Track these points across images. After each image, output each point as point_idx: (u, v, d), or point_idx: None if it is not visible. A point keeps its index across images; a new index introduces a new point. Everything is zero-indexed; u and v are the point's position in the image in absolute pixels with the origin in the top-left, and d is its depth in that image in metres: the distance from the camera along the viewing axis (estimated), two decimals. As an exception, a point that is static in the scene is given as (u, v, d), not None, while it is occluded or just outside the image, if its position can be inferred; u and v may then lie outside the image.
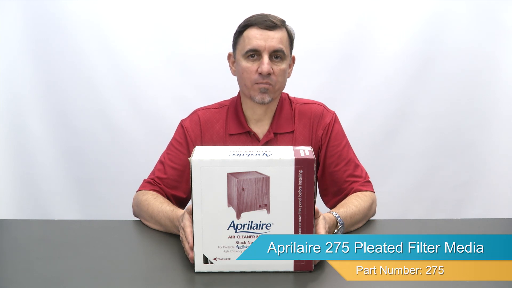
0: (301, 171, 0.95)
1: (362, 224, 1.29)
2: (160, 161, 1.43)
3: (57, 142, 2.25)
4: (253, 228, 0.97)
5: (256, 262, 0.98)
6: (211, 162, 0.95)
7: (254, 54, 1.35)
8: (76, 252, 1.10)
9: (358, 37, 2.23)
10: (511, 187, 2.31)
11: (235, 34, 1.41)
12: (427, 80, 2.27)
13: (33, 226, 1.33)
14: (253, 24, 1.35)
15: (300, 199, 0.96)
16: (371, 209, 1.33)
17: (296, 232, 0.97)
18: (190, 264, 1.01)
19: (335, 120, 1.46)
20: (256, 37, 1.34)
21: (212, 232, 0.97)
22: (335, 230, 1.17)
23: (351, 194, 1.36)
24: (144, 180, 1.41)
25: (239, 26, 1.39)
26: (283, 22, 1.39)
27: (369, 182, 1.42)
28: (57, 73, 2.20)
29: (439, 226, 1.30)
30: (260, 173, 0.95)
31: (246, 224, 0.97)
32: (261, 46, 1.34)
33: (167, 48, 2.22)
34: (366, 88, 2.27)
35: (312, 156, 0.96)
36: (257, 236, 0.97)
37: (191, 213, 0.99)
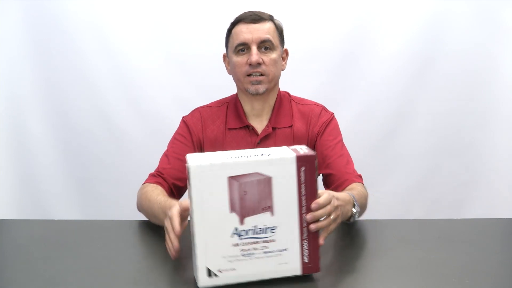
0: (303, 168, 0.93)
1: (363, 212, 1.30)
2: (165, 155, 1.45)
3: (57, 142, 2.25)
4: (258, 233, 0.93)
5: (263, 269, 0.94)
6: (211, 166, 0.90)
7: (244, 47, 1.39)
8: (76, 252, 1.10)
9: (358, 37, 2.23)
10: (511, 187, 2.31)
11: (226, 33, 1.46)
12: (427, 80, 2.27)
13: (33, 226, 1.33)
14: (239, 21, 1.41)
15: (304, 197, 0.93)
16: (364, 199, 1.34)
17: (301, 232, 0.94)
18: (191, 264, 1.01)
19: (332, 118, 1.49)
20: (243, 31, 1.39)
21: (214, 242, 0.91)
22: (354, 210, 1.16)
23: (347, 185, 1.37)
24: (150, 174, 1.43)
25: (229, 26, 1.44)
26: (270, 16, 1.44)
27: (360, 176, 1.43)
28: (57, 73, 2.20)
29: (439, 226, 1.30)
30: (261, 174, 0.92)
31: (250, 229, 0.92)
32: (248, 39, 1.38)
33: (167, 48, 2.22)
34: (366, 88, 2.27)
35: (313, 152, 0.94)
36: (262, 241, 0.93)
37: (184, 209, 0.97)
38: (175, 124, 1.50)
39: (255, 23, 1.39)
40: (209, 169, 0.90)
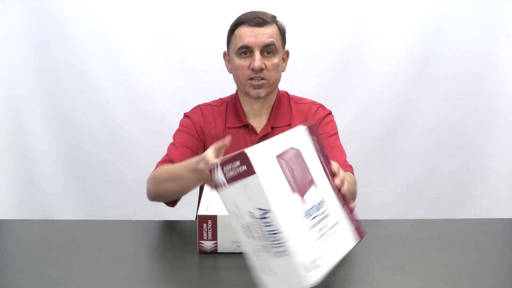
0: (314, 138, 0.90)
1: (349, 196, 1.30)
2: (172, 145, 1.45)
3: (58, 143, 2.25)
4: (318, 210, 0.83)
5: (336, 247, 0.84)
6: (261, 148, 0.79)
7: (246, 51, 1.39)
8: (76, 252, 1.10)
9: (359, 38, 2.23)
10: (511, 187, 2.31)
11: (228, 32, 1.45)
12: (427, 80, 2.27)
13: (33, 226, 1.33)
14: (243, 22, 1.40)
15: (324, 165, 0.90)
16: (355, 186, 1.35)
17: (338, 199, 0.89)
18: (191, 264, 1.01)
19: (328, 115, 1.50)
20: (247, 34, 1.38)
21: (299, 231, 0.78)
22: None
23: None
24: (158, 162, 1.41)
25: (231, 25, 1.43)
26: (273, 17, 1.43)
27: (351, 167, 1.43)
28: (57, 74, 2.20)
29: (439, 226, 1.30)
30: (294, 148, 0.85)
31: (313, 207, 0.82)
32: (252, 42, 1.37)
33: (167, 49, 2.22)
34: (366, 88, 2.27)
35: (313, 122, 0.90)
36: (323, 217, 0.83)
37: (214, 146, 0.99)
38: (175, 124, 1.50)
39: (259, 27, 1.38)
40: (261, 151, 0.78)
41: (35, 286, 0.95)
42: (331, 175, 0.91)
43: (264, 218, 0.77)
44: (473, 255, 1.08)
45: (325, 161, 0.91)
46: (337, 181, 0.91)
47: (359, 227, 0.92)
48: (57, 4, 2.15)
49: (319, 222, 0.82)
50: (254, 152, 0.76)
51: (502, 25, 2.21)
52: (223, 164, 0.78)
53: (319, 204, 0.84)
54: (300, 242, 0.77)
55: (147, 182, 1.37)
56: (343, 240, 0.87)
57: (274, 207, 0.76)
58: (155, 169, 1.39)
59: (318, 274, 0.78)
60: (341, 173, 0.93)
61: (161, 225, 1.29)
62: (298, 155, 0.85)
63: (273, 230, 0.76)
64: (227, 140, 1.02)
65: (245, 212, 0.78)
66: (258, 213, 0.77)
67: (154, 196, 1.35)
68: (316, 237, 0.80)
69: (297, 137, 0.87)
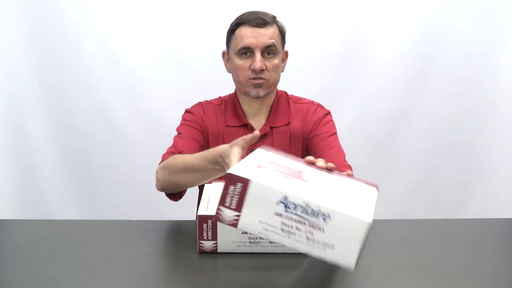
0: (267, 147, 0.99)
1: None
2: (177, 137, 1.44)
3: (58, 143, 2.25)
4: (324, 182, 0.88)
5: (365, 194, 0.90)
6: (241, 164, 0.85)
7: (247, 51, 1.39)
8: (76, 252, 1.10)
9: (359, 38, 2.23)
10: (511, 187, 2.31)
11: (227, 32, 1.45)
12: (428, 80, 2.27)
13: (33, 226, 1.32)
14: (244, 22, 1.39)
15: (300, 160, 0.97)
16: None
17: (335, 174, 0.95)
18: (192, 264, 1.01)
19: (326, 114, 1.50)
20: (248, 35, 1.38)
21: (324, 193, 0.83)
22: None
23: None
24: (164, 154, 1.39)
25: (231, 25, 1.43)
26: (273, 18, 1.43)
27: (350, 167, 1.43)
28: (57, 74, 2.21)
29: (439, 226, 1.30)
30: (265, 160, 0.90)
31: (318, 182, 0.87)
32: (253, 43, 1.37)
33: (167, 49, 2.22)
34: (366, 88, 2.28)
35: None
36: (335, 184, 0.90)
37: (240, 145, 1.02)
38: (175, 124, 1.50)
39: (260, 28, 1.38)
40: (242, 166, 0.83)
41: (35, 286, 0.95)
42: (311, 164, 0.97)
43: (288, 206, 0.79)
44: (473, 255, 1.08)
45: (297, 159, 0.97)
46: (319, 163, 0.96)
47: (369, 182, 0.96)
48: (58, 6, 2.15)
49: (334, 186, 0.87)
50: (237, 168, 0.80)
51: (502, 26, 2.22)
52: (222, 203, 0.80)
53: (321, 179, 0.88)
54: (331, 199, 0.80)
55: (157, 172, 1.35)
56: (365, 190, 0.91)
57: (286, 191, 0.79)
58: (163, 159, 1.37)
59: (368, 213, 0.80)
60: (318, 158, 0.99)
61: (161, 225, 1.29)
62: (272, 161, 0.90)
63: (303, 207, 0.78)
64: (256, 133, 1.05)
65: (272, 218, 0.80)
66: (281, 208, 0.79)
67: (166, 186, 1.33)
68: (342, 194, 0.85)
69: (261, 154, 0.94)
